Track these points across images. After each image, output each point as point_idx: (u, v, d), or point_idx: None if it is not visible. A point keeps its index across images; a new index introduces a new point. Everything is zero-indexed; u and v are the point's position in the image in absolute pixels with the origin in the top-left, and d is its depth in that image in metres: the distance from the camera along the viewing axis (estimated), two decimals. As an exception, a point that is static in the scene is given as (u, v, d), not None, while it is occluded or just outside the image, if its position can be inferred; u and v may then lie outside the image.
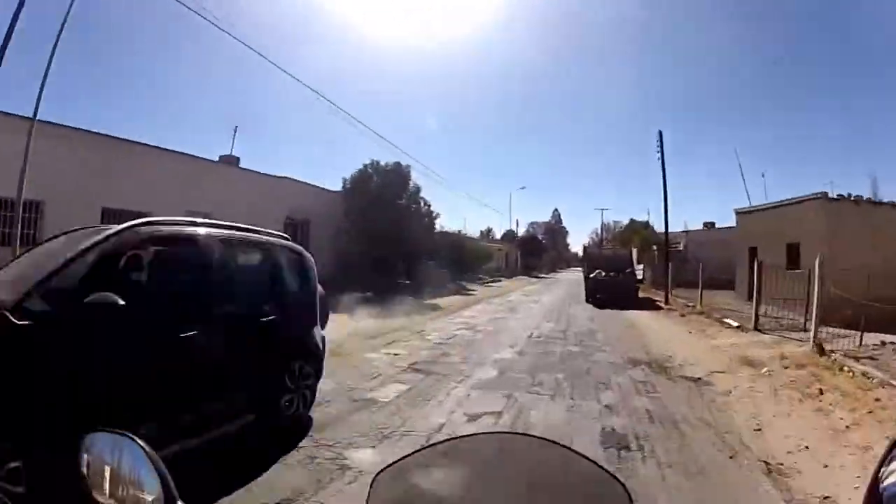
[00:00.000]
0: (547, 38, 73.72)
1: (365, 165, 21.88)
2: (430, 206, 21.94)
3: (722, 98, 76.32)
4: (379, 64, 62.62)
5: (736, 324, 13.14)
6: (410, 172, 21.84)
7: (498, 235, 59.56)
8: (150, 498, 0.79)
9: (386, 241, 21.24)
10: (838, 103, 65.83)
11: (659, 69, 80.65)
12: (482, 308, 17.04)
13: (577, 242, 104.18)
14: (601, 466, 0.78)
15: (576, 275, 65.53)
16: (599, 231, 65.44)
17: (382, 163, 21.65)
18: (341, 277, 20.77)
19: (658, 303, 19.33)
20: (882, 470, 0.65)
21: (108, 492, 0.84)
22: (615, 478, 0.76)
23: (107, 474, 0.85)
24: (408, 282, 21.32)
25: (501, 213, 74.42)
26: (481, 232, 57.18)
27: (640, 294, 20.35)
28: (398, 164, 21.67)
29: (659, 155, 19.20)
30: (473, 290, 24.96)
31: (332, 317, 6.46)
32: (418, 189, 21.66)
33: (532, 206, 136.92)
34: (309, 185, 21.81)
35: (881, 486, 0.64)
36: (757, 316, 12.79)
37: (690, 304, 17.83)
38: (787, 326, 12.59)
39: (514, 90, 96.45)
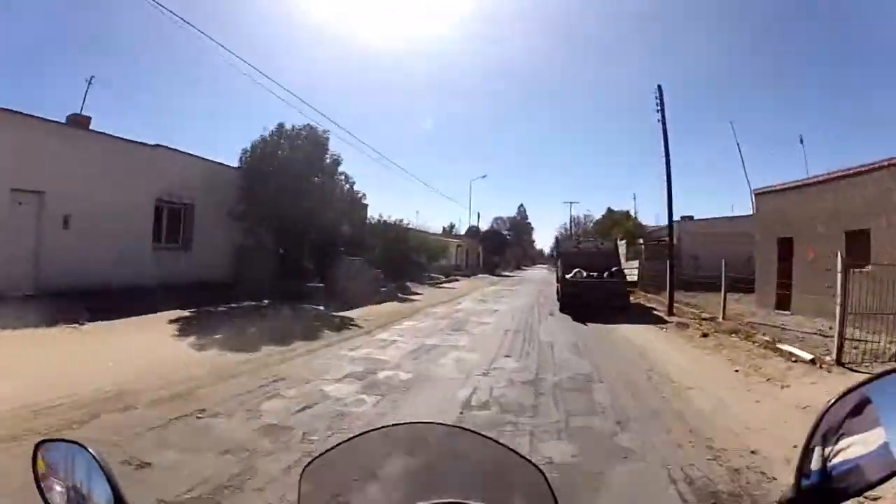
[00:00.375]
0: (515, 16, 68.77)
1: (270, 132, 16.07)
2: (353, 184, 16.38)
3: (707, 86, 72.81)
4: (316, 32, 56.33)
5: (806, 354, 8.19)
6: (329, 140, 16.20)
7: (462, 231, 54.25)
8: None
9: (295, 231, 15.69)
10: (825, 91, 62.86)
11: (637, 54, 76.99)
12: (412, 325, 11.62)
13: (542, 239, 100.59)
14: (518, 453, 0.81)
15: (542, 272, 61.12)
16: (569, 225, 61.11)
17: (289, 126, 15.93)
18: (235, 280, 15.23)
19: (658, 313, 14.34)
20: (826, 451, 0.63)
21: (62, 499, 0.85)
22: (532, 464, 0.79)
23: (60, 482, 0.85)
24: (321, 284, 15.77)
25: (459, 202, 69.24)
26: (444, 228, 51.96)
27: (631, 299, 15.35)
28: (310, 127, 15.97)
29: (659, 116, 14.28)
30: (416, 295, 19.56)
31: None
32: (338, 161, 16.09)
33: (496, 203, 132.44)
34: (194, 156, 15.92)
35: (829, 464, 0.63)
36: (842, 344, 7.86)
37: (705, 315, 12.91)
38: (874, 354, 7.98)
39: (475, 75, 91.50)
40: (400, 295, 18.40)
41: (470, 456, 0.85)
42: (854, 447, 0.64)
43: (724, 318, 12.16)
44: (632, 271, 14.89)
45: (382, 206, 56.57)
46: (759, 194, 15.40)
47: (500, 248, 61.50)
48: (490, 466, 0.83)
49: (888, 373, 0.71)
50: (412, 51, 65.74)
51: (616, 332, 10.95)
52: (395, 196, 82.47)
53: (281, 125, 16.04)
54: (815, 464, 0.64)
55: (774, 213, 14.62)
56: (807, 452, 0.65)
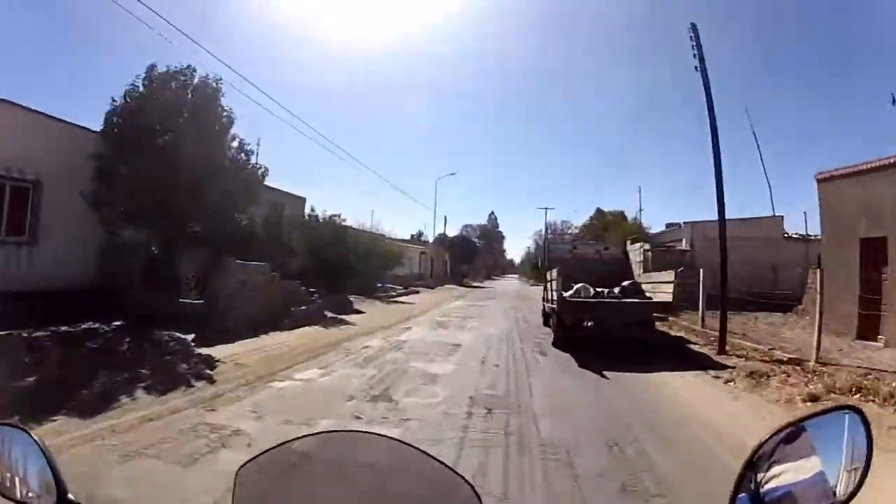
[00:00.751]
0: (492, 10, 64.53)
1: (142, 80, 10.95)
2: (250, 153, 11.29)
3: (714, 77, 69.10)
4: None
5: None
6: (222, 92, 11.15)
7: (431, 240, 49.17)
8: (39, 487, 0.80)
9: (169, 224, 10.78)
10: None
11: (621, 45, 74.09)
12: (305, 382, 6.57)
13: (513, 249, 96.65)
14: (451, 468, 0.81)
15: (514, 284, 56.32)
16: (544, 232, 56.98)
17: (162, 68, 10.86)
18: (95, 286, 10.49)
19: (695, 347, 9.73)
20: (760, 476, 0.65)
21: (2, 481, 0.84)
22: (464, 480, 0.80)
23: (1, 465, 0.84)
24: (200, 301, 10.71)
25: (426, 206, 64.05)
26: (412, 235, 46.94)
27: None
28: (193, 70, 10.88)
29: (696, 63, 9.81)
30: (355, 315, 14.58)
31: None
32: (230, 120, 11.07)
33: (466, 212, 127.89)
34: (45, 117, 10.92)
35: (762, 490, 0.64)
36: None
37: (778, 354, 8.43)
38: None
39: (446, 76, 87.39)
40: (330, 315, 13.41)
41: (405, 468, 0.85)
42: (789, 475, 0.65)
43: (817, 360, 7.68)
44: (653, 285, 10.23)
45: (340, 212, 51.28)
46: (827, 180, 11.10)
47: (470, 257, 57.03)
48: (423, 480, 0.84)
49: (829, 410, 0.74)
50: (378, 47, 61.17)
51: (662, 396, 6.29)
52: (357, 203, 76.98)
53: (152, 68, 10.99)
54: (749, 489, 0.66)
55: (853, 204, 10.34)
56: (742, 477, 0.66)
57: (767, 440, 0.67)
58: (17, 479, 0.82)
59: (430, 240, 47.88)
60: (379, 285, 24.03)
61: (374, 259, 21.85)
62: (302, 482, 0.88)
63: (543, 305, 12.79)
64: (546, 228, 55.35)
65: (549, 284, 10.89)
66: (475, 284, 45.94)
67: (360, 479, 0.87)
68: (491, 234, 78.92)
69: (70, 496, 0.79)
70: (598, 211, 32.83)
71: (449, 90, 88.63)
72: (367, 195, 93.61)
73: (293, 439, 0.88)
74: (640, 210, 32.37)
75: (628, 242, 13.08)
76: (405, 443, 0.85)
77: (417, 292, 26.74)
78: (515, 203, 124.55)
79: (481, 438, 4.37)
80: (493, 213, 79.75)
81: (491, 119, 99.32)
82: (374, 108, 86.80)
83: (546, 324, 12.89)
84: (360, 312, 15.13)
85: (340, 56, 61.67)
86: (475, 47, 72.62)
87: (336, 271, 16.31)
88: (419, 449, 0.84)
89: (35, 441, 0.81)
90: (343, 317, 13.52)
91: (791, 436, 0.67)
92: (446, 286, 37.95)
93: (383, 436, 0.89)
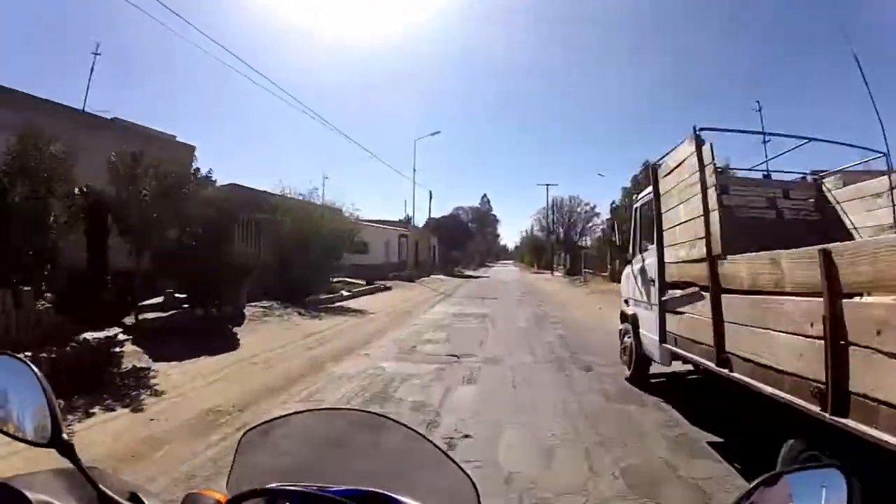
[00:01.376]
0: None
1: None
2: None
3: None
4: None
5: None
6: None
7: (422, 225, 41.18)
8: (35, 423, 0.77)
9: None
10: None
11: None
12: None
13: (506, 234, 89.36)
14: (454, 461, 0.79)
15: (513, 272, 48.14)
16: (548, 211, 49.71)
17: None
18: None
19: None
20: None
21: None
22: (465, 473, 0.78)
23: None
24: None
25: (398, 171, 56.25)
26: (400, 221, 39.21)
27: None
28: None
29: None
30: (213, 355, 6.86)
31: None
32: None
33: (457, 198, 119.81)
34: None
35: None
36: None
37: None
38: None
39: (434, 42, 79.37)
40: (135, 364, 5.82)
41: (407, 453, 0.85)
42: None
43: None
44: None
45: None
46: None
47: (462, 241, 49.37)
48: (424, 467, 0.84)
49: (816, 466, 0.76)
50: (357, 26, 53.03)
51: None
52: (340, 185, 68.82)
53: None
54: None
55: None
56: None
57: (750, 490, 0.65)
58: (13, 412, 0.77)
59: (421, 225, 40.07)
60: (334, 281, 16.58)
61: (319, 241, 14.30)
62: (303, 454, 0.88)
63: (640, 348, 5.26)
64: (551, 207, 47.95)
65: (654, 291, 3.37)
66: (468, 273, 38.46)
67: (360, 458, 0.86)
68: (484, 218, 71.21)
69: (64, 436, 0.73)
70: (647, 165, 24.35)
71: (434, 57, 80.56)
72: (349, 178, 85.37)
73: (300, 412, 0.89)
74: (728, 160, 22.16)
75: (829, 182, 5.46)
76: (412, 429, 0.85)
77: (387, 289, 19.14)
78: (507, 187, 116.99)
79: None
80: (485, 195, 72.05)
81: (479, 89, 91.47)
82: (353, 90, 78.78)
83: (636, 380, 5.47)
84: (229, 349, 7.52)
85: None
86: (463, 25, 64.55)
87: (209, 260, 8.72)
88: (425, 437, 0.84)
89: (35, 373, 0.75)
90: (169, 365, 5.93)
91: (772, 485, 0.66)
92: (432, 276, 30.40)
93: (390, 419, 0.87)
